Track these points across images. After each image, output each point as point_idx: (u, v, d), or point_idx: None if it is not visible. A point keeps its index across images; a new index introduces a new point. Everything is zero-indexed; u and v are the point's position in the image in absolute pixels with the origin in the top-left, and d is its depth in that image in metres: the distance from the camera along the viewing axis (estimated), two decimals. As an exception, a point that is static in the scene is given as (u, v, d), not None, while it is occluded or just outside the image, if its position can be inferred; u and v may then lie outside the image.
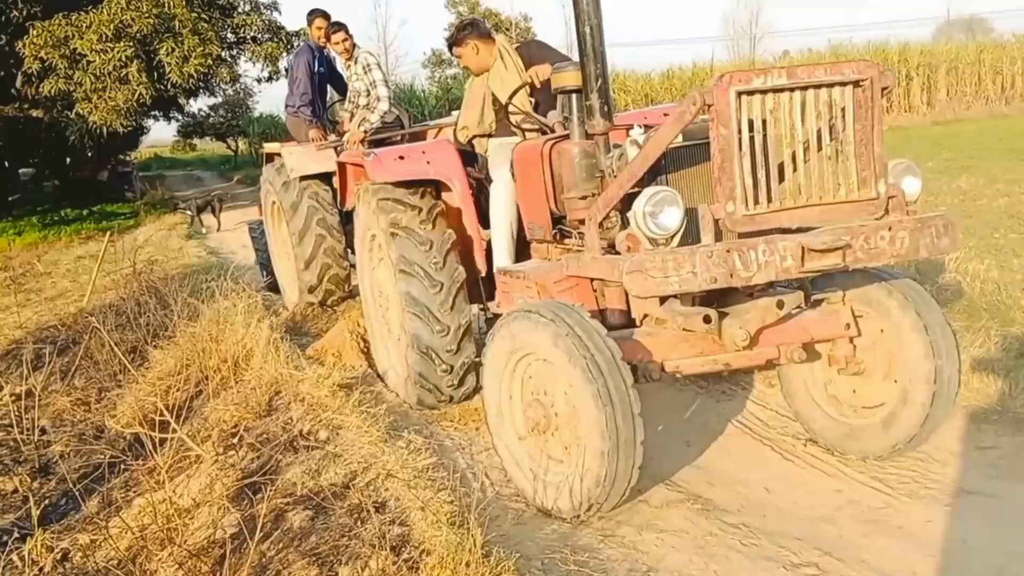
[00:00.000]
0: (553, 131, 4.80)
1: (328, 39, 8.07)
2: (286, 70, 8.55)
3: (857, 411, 4.06)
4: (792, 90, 3.29)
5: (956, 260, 6.36)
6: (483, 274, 5.06)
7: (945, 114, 28.01)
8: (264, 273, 8.84)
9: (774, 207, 3.34)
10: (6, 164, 22.65)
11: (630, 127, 3.86)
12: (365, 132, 7.16)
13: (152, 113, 22.27)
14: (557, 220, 4.50)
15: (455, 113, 6.74)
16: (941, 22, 57.31)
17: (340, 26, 7.95)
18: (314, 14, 8.23)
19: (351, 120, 7.78)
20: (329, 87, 8.66)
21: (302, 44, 8.66)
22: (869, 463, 4.01)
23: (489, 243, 5.03)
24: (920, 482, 3.82)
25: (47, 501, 4.94)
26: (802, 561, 3.28)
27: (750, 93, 3.25)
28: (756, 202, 3.31)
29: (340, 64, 8.46)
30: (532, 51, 5.48)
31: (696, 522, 3.61)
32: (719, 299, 3.80)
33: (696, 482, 3.98)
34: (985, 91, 29.93)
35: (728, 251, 3.25)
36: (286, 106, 8.44)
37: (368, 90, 7.56)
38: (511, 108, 5.05)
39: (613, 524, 3.59)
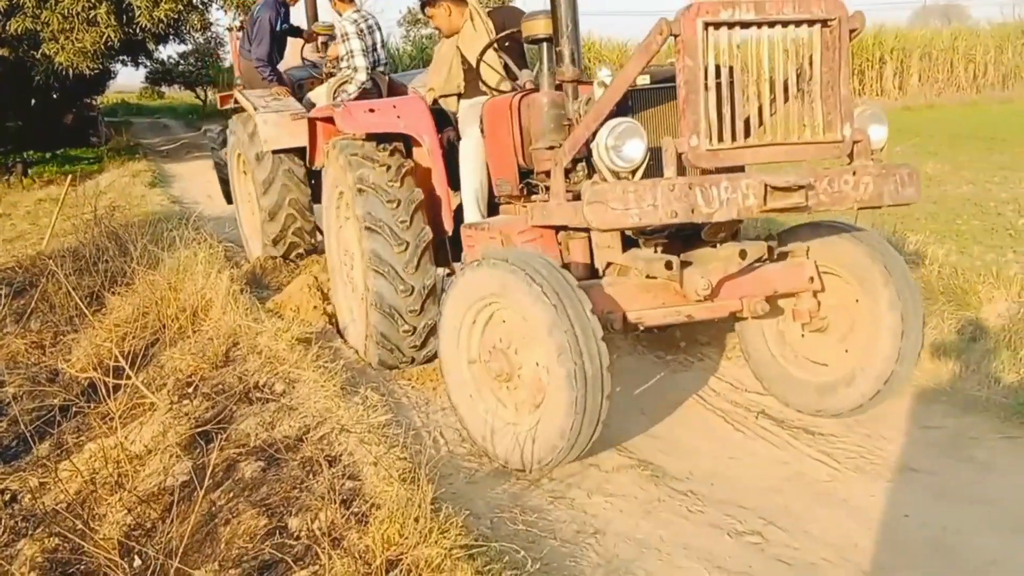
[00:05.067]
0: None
1: None
2: (251, 17, 8.19)
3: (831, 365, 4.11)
4: (760, 25, 3.28)
5: (916, 243, 6.44)
6: (450, 235, 5.02)
7: (916, 99, 28.10)
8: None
9: (738, 144, 3.33)
10: (-32, 103, 22.11)
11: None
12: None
13: (120, 57, 21.70)
14: (524, 175, 4.47)
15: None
16: (919, 7, 57.51)
17: None
18: None
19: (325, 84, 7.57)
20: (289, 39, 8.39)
21: None
22: (817, 437, 4.08)
23: (459, 205, 4.98)
24: (866, 457, 3.89)
25: (-3, 443, 4.91)
26: (746, 529, 3.34)
27: (717, 26, 3.24)
28: (720, 138, 3.31)
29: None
30: (505, 17, 5.39)
31: (645, 488, 3.66)
32: (683, 249, 3.81)
33: (648, 449, 4.02)
34: (957, 78, 30.07)
35: (690, 186, 3.25)
36: (241, 48, 8.15)
37: (346, 58, 7.34)
38: (482, 68, 4.98)
39: (563, 486, 3.63)
